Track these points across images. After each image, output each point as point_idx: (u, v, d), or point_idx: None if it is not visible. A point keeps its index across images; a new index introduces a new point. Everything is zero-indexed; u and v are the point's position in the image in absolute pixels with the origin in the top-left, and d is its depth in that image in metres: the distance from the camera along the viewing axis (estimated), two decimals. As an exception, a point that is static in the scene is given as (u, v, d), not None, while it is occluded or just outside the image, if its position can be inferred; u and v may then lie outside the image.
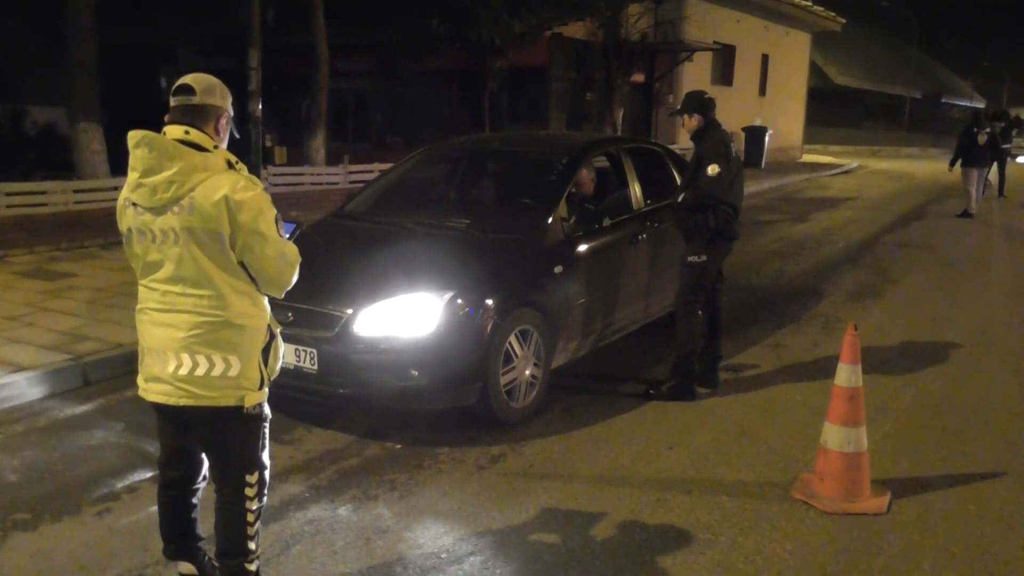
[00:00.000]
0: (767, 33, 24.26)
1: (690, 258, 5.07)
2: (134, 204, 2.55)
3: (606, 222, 5.33)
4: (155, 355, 2.61)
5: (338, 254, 5.12)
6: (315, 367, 4.31)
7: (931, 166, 25.99)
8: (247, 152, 10.45)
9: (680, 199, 5.06)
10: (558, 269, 4.86)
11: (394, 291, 4.34)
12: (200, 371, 2.57)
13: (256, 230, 2.53)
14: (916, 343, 6.42)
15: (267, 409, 2.77)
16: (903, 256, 10.26)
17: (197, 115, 2.60)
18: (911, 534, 3.52)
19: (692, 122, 5.11)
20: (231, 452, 2.73)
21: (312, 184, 12.23)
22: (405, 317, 4.26)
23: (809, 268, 9.38)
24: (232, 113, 2.71)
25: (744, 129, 22.16)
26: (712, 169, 4.86)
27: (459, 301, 4.30)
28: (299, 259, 2.70)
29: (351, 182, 12.36)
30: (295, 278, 2.70)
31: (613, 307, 5.39)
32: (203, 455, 2.85)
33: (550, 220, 5.01)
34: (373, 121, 20.65)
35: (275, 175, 11.56)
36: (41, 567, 3.23)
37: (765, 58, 24.68)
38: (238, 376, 2.61)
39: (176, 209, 2.49)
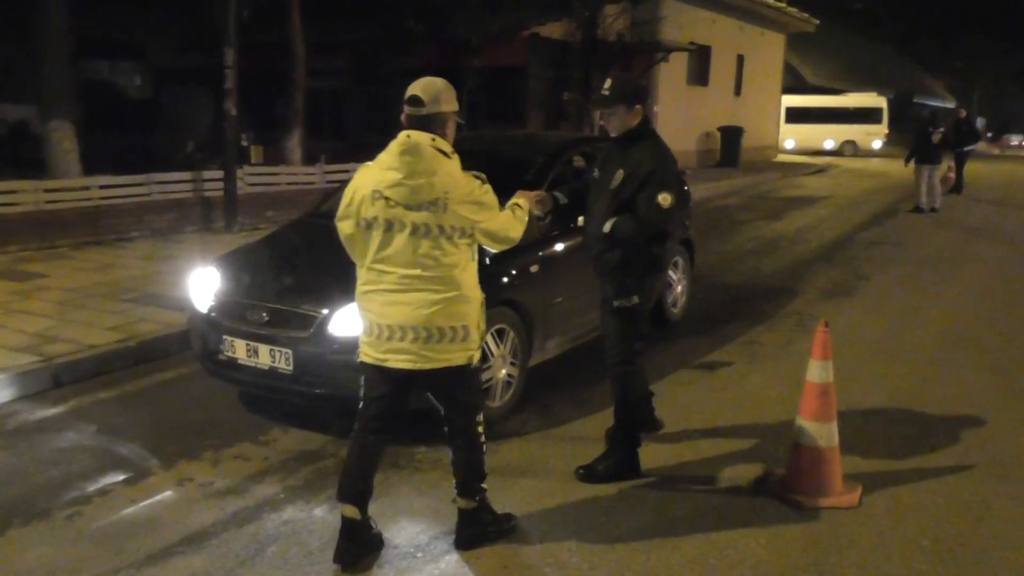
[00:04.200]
0: (742, 34, 24.40)
1: (617, 302, 3.88)
2: (386, 198, 2.99)
3: (581, 221, 5.34)
4: (394, 330, 3.05)
5: (314, 254, 5.09)
6: (290, 367, 4.29)
7: (903, 165, 26.28)
8: (222, 151, 10.38)
9: (610, 227, 3.78)
10: (534, 268, 4.87)
11: (369, 290, 4.33)
12: (442, 339, 3.06)
13: (491, 220, 3.15)
14: (888, 339, 6.50)
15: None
16: (875, 254, 10.38)
17: (430, 124, 3.05)
18: (882, 527, 3.57)
19: (631, 117, 3.81)
20: (464, 401, 3.26)
21: (288, 183, 12.13)
22: (380, 316, 4.25)
23: (784, 266, 9.46)
24: (457, 107, 3.16)
25: (720, 128, 22.30)
26: (664, 199, 3.68)
27: (435, 300, 4.29)
28: (516, 224, 3.32)
29: (328, 182, 12.28)
30: (517, 236, 3.31)
31: (589, 306, 5.40)
32: (401, 415, 3.29)
33: (526, 219, 5.00)
34: (350, 120, 20.54)
35: (250, 174, 11.45)
36: (9, 572, 3.19)
37: (740, 58, 24.83)
38: (467, 340, 3.13)
39: (432, 208, 2.99)
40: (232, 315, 4.55)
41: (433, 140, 3.01)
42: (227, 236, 9.62)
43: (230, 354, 4.50)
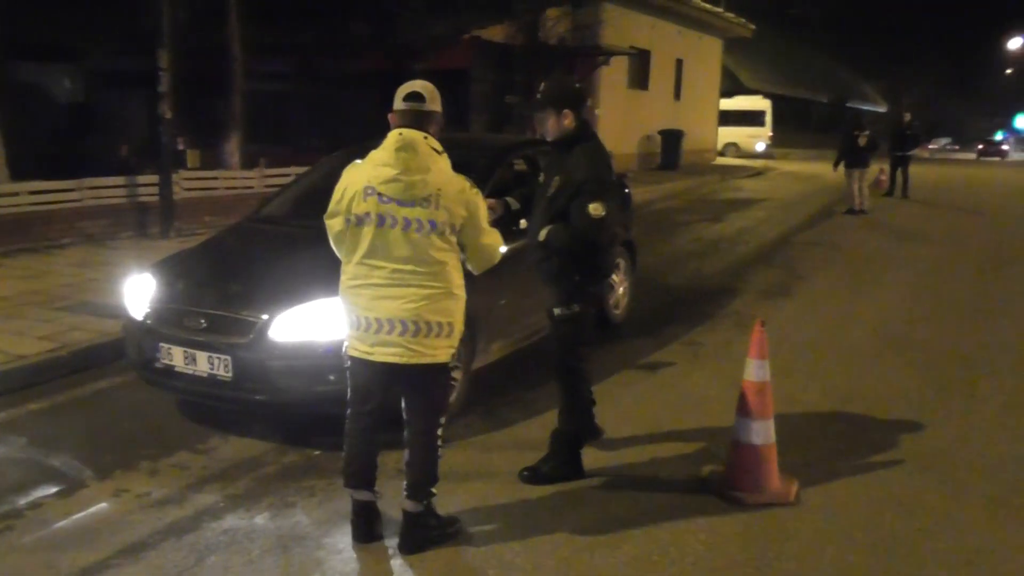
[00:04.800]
0: (681, 38, 24.81)
1: (557, 310, 3.86)
2: (379, 194, 3.05)
3: (524, 224, 5.37)
4: (382, 323, 3.11)
5: (253, 259, 5.02)
6: (230, 374, 4.22)
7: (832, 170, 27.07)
8: (157, 155, 10.14)
9: (544, 235, 3.77)
10: (477, 271, 4.87)
11: (310, 295, 4.28)
12: (428, 334, 3.13)
13: (477, 224, 3.21)
14: (823, 338, 6.68)
15: None
16: (812, 255, 10.66)
17: (425, 120, 3.17)
18: (817, 521, 3.67)
19: (566, 121, 3.75)
20: (434, 399, 3.31)
21: (226, 188, 11.91)
22: (322, 321, 4.21)
23: (724, 267, 9.65)
24: (442, 109, 3.27)
25: (660, 132, 22.64)
26: (595, 209, 3.61)
27: (377, 304, 4.27)
28: (501, 243, 3.38)
29: (267, 186, 12.08)
30: (498, 257, 3.38)
31: (533, 309, 5.43)
32: (386, 403, 3.32)
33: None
34: (292, 124, 20.27)
35: (187, 179, 11.20)
36: (-64, 591, 3.08)
37: (679, 63, 25.24)
38: (451, 336, 3.22)
39: (424, 203, 3.06)
40: (169, 322, 4.46)
41: (425, 138, 3.11)
42: (163, 242, 9.40)
43: (167, 362, 4.41)
